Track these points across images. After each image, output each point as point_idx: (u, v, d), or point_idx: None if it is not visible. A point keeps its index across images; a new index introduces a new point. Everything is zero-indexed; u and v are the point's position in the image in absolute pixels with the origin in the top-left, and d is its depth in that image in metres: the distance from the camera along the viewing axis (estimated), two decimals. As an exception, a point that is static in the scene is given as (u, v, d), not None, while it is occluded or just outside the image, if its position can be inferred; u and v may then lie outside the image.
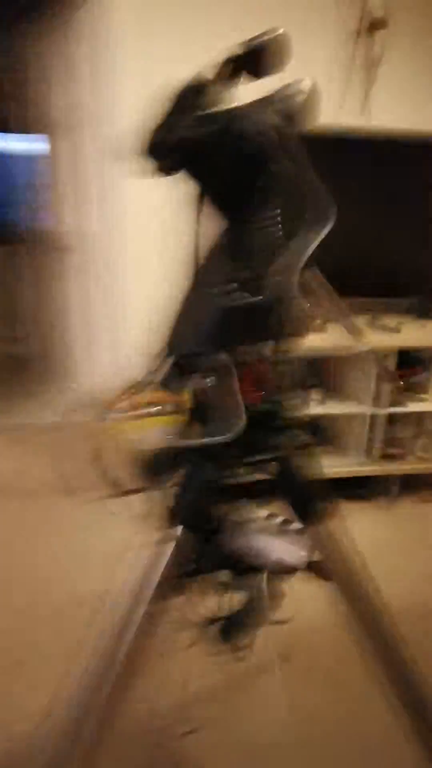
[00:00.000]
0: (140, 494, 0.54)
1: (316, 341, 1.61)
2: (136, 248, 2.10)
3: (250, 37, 0.41)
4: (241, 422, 0.46)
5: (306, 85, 0.43)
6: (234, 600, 0.73)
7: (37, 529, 1.64)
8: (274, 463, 0.56)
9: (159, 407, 2.14)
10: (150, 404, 2.07)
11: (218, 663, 1.12)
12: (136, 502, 0.52)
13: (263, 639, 0.74)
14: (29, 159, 4.01)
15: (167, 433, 0.54)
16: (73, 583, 1.37)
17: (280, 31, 0.38)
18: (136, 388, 0.55)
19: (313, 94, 0.43)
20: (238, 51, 0.40)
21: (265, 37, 0.38)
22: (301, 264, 0.43)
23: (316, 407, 1.76)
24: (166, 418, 2.04)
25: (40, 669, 1.12)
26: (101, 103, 1.99)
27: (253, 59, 0.39)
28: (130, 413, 1.98)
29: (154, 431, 2.05)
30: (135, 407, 1.99)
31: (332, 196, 0.44)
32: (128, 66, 1.86)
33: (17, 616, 1.28)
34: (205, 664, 1.12)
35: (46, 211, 2.79)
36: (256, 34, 0.39)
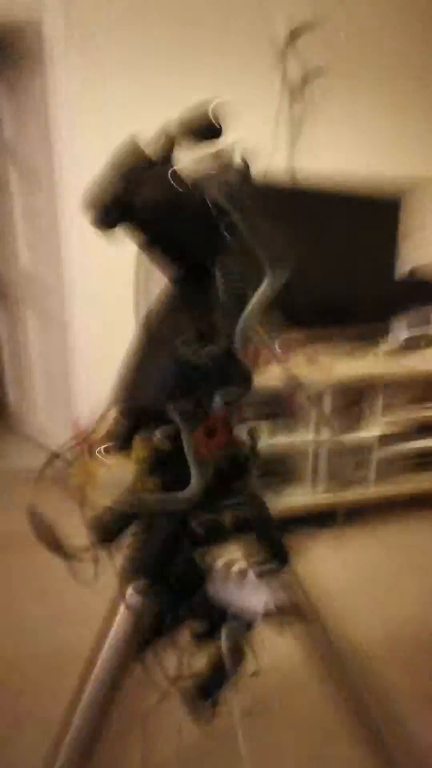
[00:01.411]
0: (93, 552, 0.51)
1: (265, 380, 1.63)
2: (87, 297, 2.09)
3: (189, 103, 0.43)
4: (200, 484, 0.45)
5: (237, 153, 0.45)
6: (201, 656, 0.70)
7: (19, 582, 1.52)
8: (229, 512, 0.55)
9: (107, 452, 2.08)
10: (103, 451, 2.01)
11: (185, 722, 1.06)
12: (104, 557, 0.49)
13: (228, 698, 0.71)
14: None
15: (121, 489, 0.52)
16: (53, 638, 1.28)
17: (212, 108, 0.41)
18: (86, 437, 0.53)
19: (244, 160, 0.45)
20: (176, 121, 0.42)
21: (199, 114, 0.40)
22: (259, 315, 0.44)
23: (265, 441, 1.77)
24: (119, 462, 1.98)
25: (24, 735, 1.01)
26: (48, 156, 2.00)
27: (188, 132, 0.41)
28: (83, 459, 1.91)
29: (107, 474, 1.99)
30: (88, 454, 1.92)
31: (288, 243, 0.46)
32: (77, 122, 1.90)
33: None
34: (171, 725, 1.05)
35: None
36: (193, 104, 0.41)
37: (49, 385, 2.44)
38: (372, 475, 1.90)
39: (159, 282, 0.53)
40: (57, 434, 2.45)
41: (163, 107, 2.04)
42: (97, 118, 1.93)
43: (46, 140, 1.95)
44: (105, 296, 2.12)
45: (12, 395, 2.75)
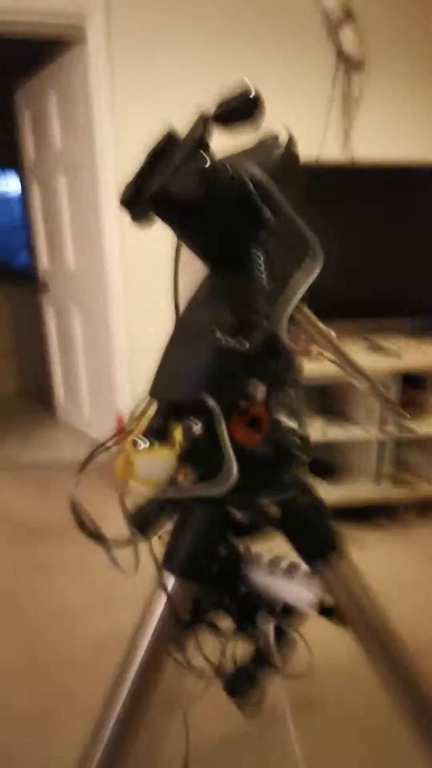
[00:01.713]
0: (133, 541, 0.51)
1: (315, 370, 1.59)
2: (129, 293, 2.13)
3: (227, 90, 0.41)
4: (234, 472, 0.44)
5: (282, 138, 0.43)
6: (240, 650, 0.69)
7: (56, 569, 1.59)
8: (276, 505, 0.54)
9: (146, 445, 2.11)
10: (139, 442, 2.05)
11: (226, 717, 1.06)
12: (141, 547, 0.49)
13: (276, 690, 0.70)
14: (8, 200, 4.14)
15: (157, 478, 0.52)
16: (97, 626, 1.33)
17: (252, 91, 0.38)
18: (128, 429, 0.53)
19: (290, 144, 0.43)
20: (212, 108, 0.40)
21: (237, 98, 0.38)
22: (292, 307, 0.42)
23: (318, 435, 1.72)
24: (158, 453, 2.01)
25: (69, 720, 1.06)
26: (86, 150, 2.05)
27: (225, 117, 0.39)
28: (124, 451, 1.95)
29: (147, 467, 2.03)
30: (125, 446, 1.96)
31: (321, 231, 0.44)
32: (115, 116, 1.92)
33: (44, 664, 1.22)
34: (212, 719, 1.06)
35: (29, 250, 2.83)
36: (230, 90, 0.39)
37: (94, 379, 2.52)
38: None
39: (198, 274, 0.52)
40: (101, 427, 2.53)
41: (206, 97, 2.03)
42: (138, 114, 1.94)
43: (89, 140, 2.00)
44: (146, 291, 2.16)
45: (60, 389, 2.86)
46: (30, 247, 2.92)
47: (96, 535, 0.47)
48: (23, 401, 3.40)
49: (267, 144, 0.44)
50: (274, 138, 0.44)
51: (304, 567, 0.63)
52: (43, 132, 2.33)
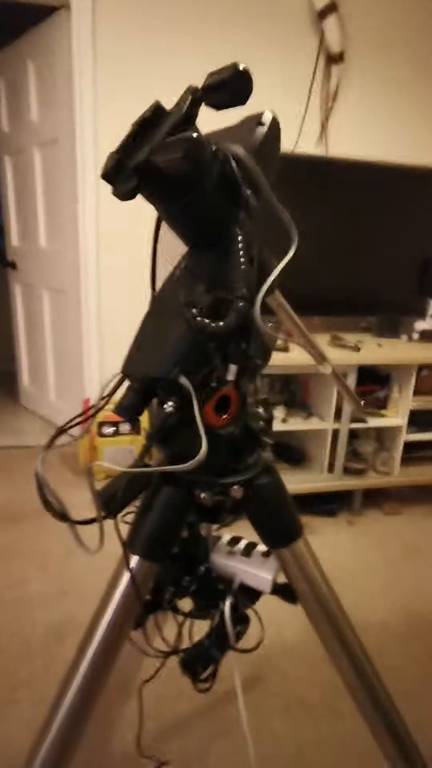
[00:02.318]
0: (99, 521, 0.51)
1: (280, 359, 1.64)
2: (103, 274, 2.08)
3: (213, 70, 0.41)
4: (204, 450, 0.45)
5: (267, 117, 0.44)
6: (196, 628, 0.71)
7: (13, 554, 1.56)
8: (238, 486, 0.55)
9: (115, 428, 2.11)
10: (107, 424, 2.03)
11: (180, 695, 1.08)
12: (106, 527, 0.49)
13: (229, 667, 0.72)
14: None
15: (125, 458, 0.52)
16: (54, 614, 1.31)
17: (242, 66, 0.39)
18: (92, 409, 0.53)
19: (274, 125, 0.44)
20: (202, 84, 0.40)
21: (227, 71, 0.39)
22: (265, 288, 0.43)
23: (279, 424, 1.77)
24: (124, 438, 2.01)
25: (23, 707, 1.04)
26: (65, 123, 1.98)
27: (214, 92, 0.39)
28: (86, 435, 1.93)
29: (113, 452, 2.01)
30: (92, 428, 1.94)
31: (293, 220, 0.45)
32: (96, 89, 1.87)
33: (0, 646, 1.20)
34: (168, 696, 1.08)
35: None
36: (219, 68, 0.40)
37: (61, 364, 2.46)
38: (396, 460, 1.89)
39: (177, 255, 0.52)
40: (67, 413, 2.48)
41: (188, 77, 2.00)
42: (121, 88, 1.90)
43: (69, 114, 1.93)
44: (122, 276, 2.12)
45: (24, 372, 2.78)
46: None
47: (62, 514, 0.46)
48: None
49: (250, 123, 0.44)
50: (258, 117, 0.44)
51: (261, 546, 0.65)
52: (19, 103, 2.23)
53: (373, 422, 1.85)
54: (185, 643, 0.70)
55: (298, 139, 2.06)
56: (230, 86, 0.39)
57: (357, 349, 1.76)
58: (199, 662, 0.67)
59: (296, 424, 1.79)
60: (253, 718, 1.02)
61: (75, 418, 0.54)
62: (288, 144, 2.02)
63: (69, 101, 1.92)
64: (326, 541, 1.73)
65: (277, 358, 1.56)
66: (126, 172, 0.39)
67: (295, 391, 1.98)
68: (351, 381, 1.74)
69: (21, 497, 1.88)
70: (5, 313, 2.82)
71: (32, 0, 1.81)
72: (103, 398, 0.53)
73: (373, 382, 1.89)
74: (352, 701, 0.65)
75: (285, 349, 1.70)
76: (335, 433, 1.80)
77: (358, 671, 0.65)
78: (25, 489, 1.94)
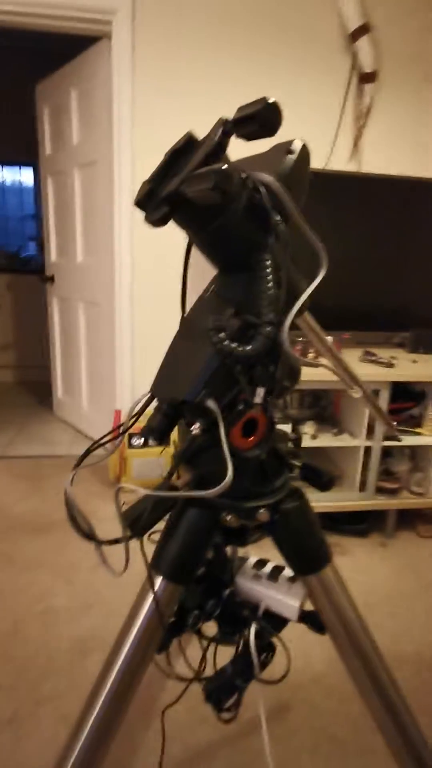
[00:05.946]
0: (125, 542, 0.51)
1: (310, 374, 1.62)
2: (136, 292, 2.14)
3: (246, 101, 0.42)
4: (230, 475, 0.44)
5: (296, 145, 0.44)
6: (221, 655, 0.69)
7: (39, 566, 1.59)
8: (264, 509, 0.54)
9: (144, 440, 2.13)
10: (136, 436, 2.06)
11: (201, 723, 1.06)
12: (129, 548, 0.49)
13: (252, 696, 0.70)
14: (20, 191, 4.18)
15: (153, 469, 0.52)
16: (78, 628, 1.31)
17: (271, 99, 0.39)
18: (122, 427, 0.54)
19: (303, 153, 0.44)
20: (232, 116, 0.41)
21: (257, 105, 0.39)
22: (293, 314, 0.42)
23: (308, 441, 1.74)
24: (153, 450, 2.02)
25: (43, 724, 1.05)
26: (104, 146, 2.06)
27: (244, 124, 0.40)
28: (121, 450, 1.95)
29: (142, 464, 2.03)
30: (122, 444, 1.97)
31: (324, 240, 0.44)
32: (134, 114, 1.94)
33: (21, 665, 1.21)
34: (191, 721, 1.05)
35: (38, 242, 2.84)
36: (249, 102, 0.40)
37: (94, 376, 2.52)
38: (424, 479, 1.81)
39: (208, 277, 0.53)
40: (98, 424, 2.53)
41: (222, 104, 2.03)
42: (157, 115, 1.96)
43: (107, 137, 2.01)
44: (153, 291, 2.16)
45: (59, 382, 2.86)
46: (39, 238, 2.93)
47: (87, 533, 0.47)
48: (20, 392, 3.40)
49: (280, 151, 0.44)
50: (288, 145, 0.44)
51: (288, 570, 0.63)
52: (61, 126, 2.35)
53: (408, 440, 1.78)
54: (209, 668, 0.68)
55: (331, 156, 2.05)
56: (260, 119, 0.39)
57: (390, 365, 1.71)
58: (223, 692, 0.65)
59: (326, 440, 1.75)
60: (280, 751, 0.98)
61: (105, 436, 0.55)
62: (320, 161, 2.02)
63: (108, 126, 2.00)
64: (358, 564, 1.67)
65: (306, 373, 1.54)
66: (157, 201, 0.40)
67: (325, 407, 1.93)
68: (384, 398, 1.69)
69: (49, 507, 1.91)
70: (42, 326, 2.93)
71: (76, 30, 1.91)
72: (132, 416, 0.53)
73: (408, 398, 1.83)
74: (381, 735, 0.62)
75: (315, 365, 1.68)
76: (367, 450, 1.74)
77: (390, 710, 0.61)
78: (54, 499, 1.97)
